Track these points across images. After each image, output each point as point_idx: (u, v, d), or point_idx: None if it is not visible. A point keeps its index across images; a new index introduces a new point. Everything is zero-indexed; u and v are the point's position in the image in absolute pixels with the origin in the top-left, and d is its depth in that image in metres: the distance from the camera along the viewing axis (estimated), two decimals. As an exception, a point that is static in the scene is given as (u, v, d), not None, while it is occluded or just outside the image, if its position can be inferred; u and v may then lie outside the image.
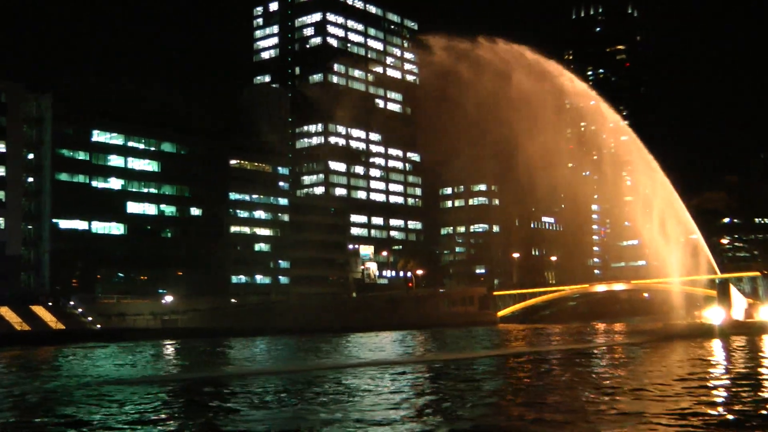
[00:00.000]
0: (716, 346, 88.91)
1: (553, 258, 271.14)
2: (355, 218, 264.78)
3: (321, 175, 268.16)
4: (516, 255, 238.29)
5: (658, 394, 48.18)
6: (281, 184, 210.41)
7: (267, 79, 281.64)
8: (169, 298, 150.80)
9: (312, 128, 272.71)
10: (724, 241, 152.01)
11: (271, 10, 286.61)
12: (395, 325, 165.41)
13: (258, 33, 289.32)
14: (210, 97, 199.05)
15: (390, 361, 79.38)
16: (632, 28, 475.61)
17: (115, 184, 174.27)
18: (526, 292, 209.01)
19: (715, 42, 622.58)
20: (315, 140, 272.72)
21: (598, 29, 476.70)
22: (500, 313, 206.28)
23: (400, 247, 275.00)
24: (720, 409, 43.43)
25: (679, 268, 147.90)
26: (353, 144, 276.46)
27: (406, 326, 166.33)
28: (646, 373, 60.94)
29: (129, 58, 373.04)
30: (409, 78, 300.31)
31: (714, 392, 49.73)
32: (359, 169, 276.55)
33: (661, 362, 70.90)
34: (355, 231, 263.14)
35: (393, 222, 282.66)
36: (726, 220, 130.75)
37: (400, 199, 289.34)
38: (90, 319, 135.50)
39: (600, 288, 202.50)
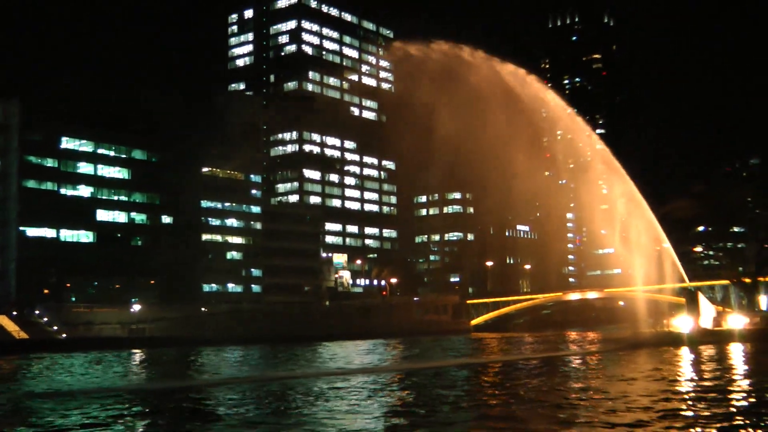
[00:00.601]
0: (678, 355, 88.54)
1: (527, 266, 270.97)
2: (329, 226, 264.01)
3: (295, 183, 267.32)
4: (490, 263, 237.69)
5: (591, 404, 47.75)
6: (254, 191, 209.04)
7: (242, 86, 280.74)
8: (137, 307, 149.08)
9: (286, 136, 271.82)
10: (698, 249, 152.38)
11: (246, 17, 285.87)
12: (367, 334, 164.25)
13: (233, 40, 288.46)
14: (183, 104, 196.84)
15: (349, 371, 78.35)
16: (608, 36, 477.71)
17: (84, 191, 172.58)
18: (499, 300, 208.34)
19: (690, 51, 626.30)
20: (289, 148, 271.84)
21: (574, 38, 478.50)
22: (474, 322, 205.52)
23: (375, 255, 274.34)
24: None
25: (651, 277, 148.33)
26: (328, 152, 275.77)
27: (379, 335, 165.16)
28: (596, 383, 60.40)
29: (100, 65, 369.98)
30: (385, 86, 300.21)
31: (649, 405, 48.43)
32: (334, 177, 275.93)
33: (616, 372, 70.14)
34: (329, 239, 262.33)
35: (368, 230, 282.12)
36: (701, 228, 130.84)
37: (375, 207, 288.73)
38: (55, 328, 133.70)
39: (573, 296, 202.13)
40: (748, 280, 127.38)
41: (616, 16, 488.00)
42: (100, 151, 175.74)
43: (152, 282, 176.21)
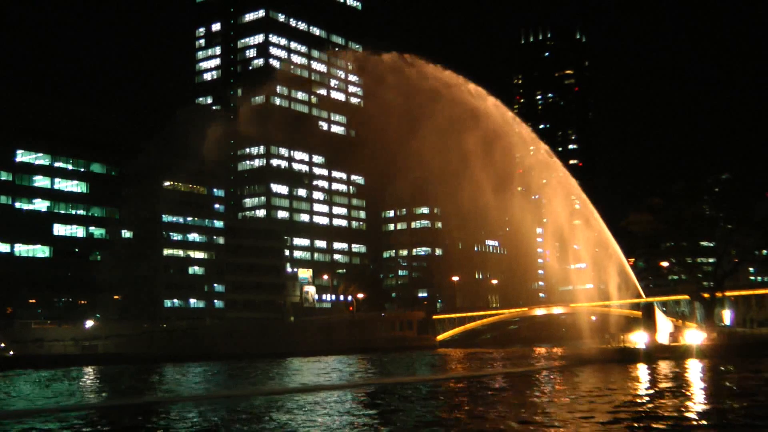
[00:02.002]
0: (626, 371, 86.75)
1: (494, 281, 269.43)
2: (297, 241, 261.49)
3: (263, 198, 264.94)
4: (456, 278, 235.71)
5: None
6: (217, 206, 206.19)
7: (209, 100, 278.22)
8: (89, 323, 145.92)
9: (254, 150, 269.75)
10: (666, 264, 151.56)
11: (213, 30, 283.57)
12: (329, 351, 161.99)
13: (200, 54, 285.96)
14: (148, 118, 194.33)
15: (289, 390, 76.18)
16: (580, 53, 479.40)
17: (40, 205, 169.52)
18: (465, 315, 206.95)
19: (662, 66, 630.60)
20: (257, 162, 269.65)
21: (546, 54, 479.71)
22: (440, 337, 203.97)
23: (344, 270, 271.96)
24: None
25: (621, 293, 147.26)
26: (296, 166, 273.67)
27: (342, 351, 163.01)
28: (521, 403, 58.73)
29: (62, 79, 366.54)
30: (354, 100, 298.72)
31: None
32: (302, 192, 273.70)
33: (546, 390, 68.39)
34: (297, 254, 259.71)
35: (337, 245, 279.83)
36: (670, 243, 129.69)
37: (343, 222, 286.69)
38: (2, 345, 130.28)
39: (539, 311, 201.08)
40: (706, 296, 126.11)
41: (588, 33, 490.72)
42: (58, 164, 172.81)
43: (113, 298, 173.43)
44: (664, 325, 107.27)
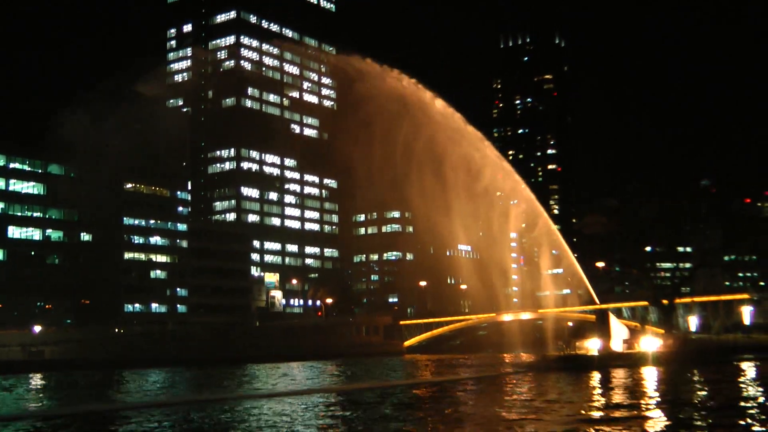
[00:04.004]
0: (567, 380, 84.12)
1: (463, 286, 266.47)
2: (268, 245, 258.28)
3: (233, 201, 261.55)
4: (423, 283, 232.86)
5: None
6: (180, 208, 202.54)
7: (180, 102, 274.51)
8: (37, 328, 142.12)
9: (224, 153, 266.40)
10: (612, 267, 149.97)
11: (185, 31, 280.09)
12: (291, 357, 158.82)
13: (171, 55, 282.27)
14: (106, 118, 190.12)
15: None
16: (560, 57, 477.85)
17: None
18: (432, 321, 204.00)
19: (640, 70, 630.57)
20: (227, 165, 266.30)
21: (526, 58, 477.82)
22: (407, 343, 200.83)
23: (316, 275, 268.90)
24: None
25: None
26: (267, 169, 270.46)
27: (304, 357, 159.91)
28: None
29: (21, 73, 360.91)
30: (327, 103, 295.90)
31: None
32: (273, 196, 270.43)
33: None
34: (268, 258, 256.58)
35: (309, 249, 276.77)
36: (625, 246, 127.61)
37: (316, 226, 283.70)
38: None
39: (507, 317, 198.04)
40: (665, 301, 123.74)
41: (567, 37, 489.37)
42: (13, 165, 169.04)
43: (70, 302, 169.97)
44: (619, 332, 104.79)
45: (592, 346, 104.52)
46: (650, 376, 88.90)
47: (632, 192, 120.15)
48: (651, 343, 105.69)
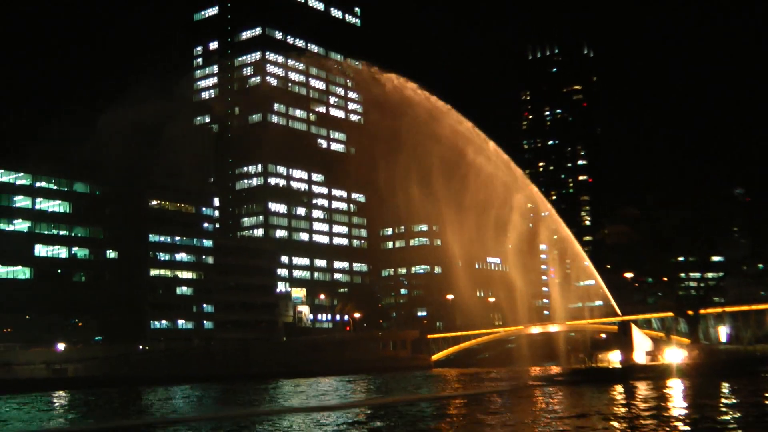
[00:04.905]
0: (588, 395, 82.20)
1: (492, 299, 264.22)
2: (296, 260, 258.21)
3: (260, 217, 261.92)
4: (450, 296, 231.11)
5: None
6: (205, 225, 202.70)
7: (207, 119, 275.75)
8: (61, 346, 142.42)
9: (251, 169, 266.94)
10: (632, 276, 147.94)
11: (210, 48, 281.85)
12: (315, 372, 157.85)
13: (198, 72, 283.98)
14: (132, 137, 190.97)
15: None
16: (588, 68, 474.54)
17: (21, 226, 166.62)
18: (460, 335, 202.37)
19: (669, 78, 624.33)
20: (255, 181, 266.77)
21: (554, 69, 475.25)
22: (435, 357, 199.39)
23: (345, 289, 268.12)
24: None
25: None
26: (294, 185, 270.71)
27: (328, 373, 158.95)
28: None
29: (47, 93, 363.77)
30: (354, 117, 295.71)
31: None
32: (301, 211, 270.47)
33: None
34: (296, 273, 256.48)
35: (337, 264, 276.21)
36: (648, 257, 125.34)
37: (344, 241, 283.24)
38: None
39: (535, 330, 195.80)
40: (690, 312, 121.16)
41: (595, 48, 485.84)
42: (39, 184, 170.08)
43: (96, 320, 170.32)
44: (642, 343, 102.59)
45: (614, 358, 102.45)
46: (674, 390, 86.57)
47: (653, 201, 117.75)
48: (675, 354, 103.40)
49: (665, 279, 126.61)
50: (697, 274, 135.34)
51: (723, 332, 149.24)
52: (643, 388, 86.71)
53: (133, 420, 71.35)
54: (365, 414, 70.35)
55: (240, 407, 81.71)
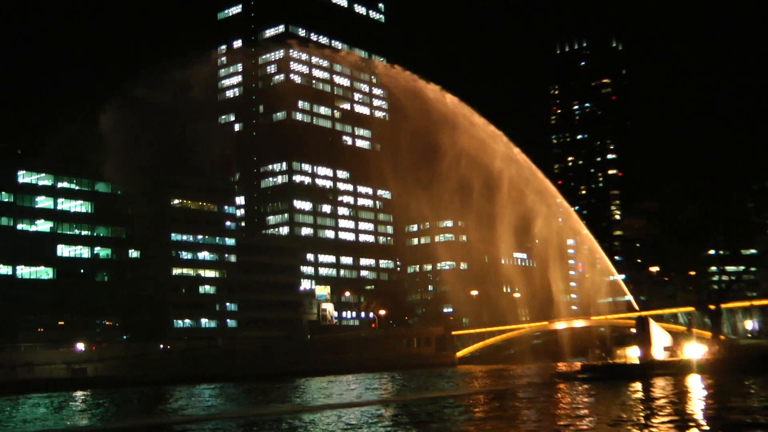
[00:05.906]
0: (603, 392, 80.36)
1: (516, 295, 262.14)
2: (322, 258, 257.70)
3: (286, 215, 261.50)
4: (474, 292, 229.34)
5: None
6: (228, 223, 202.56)
7: (232, 117, 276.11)
8: (80, 346, 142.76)
9: (276, 167, 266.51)
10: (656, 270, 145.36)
11: (234, 47, 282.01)
12: (338, 370, 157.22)
13: (222, 71, 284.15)
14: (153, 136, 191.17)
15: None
16: (617, 61, 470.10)
17: (43, 226, 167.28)
18: (485, 331, 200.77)
19: (698, 71, 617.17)
20: (280, 179, 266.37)
21: (583, 63, 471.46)
22: (459, 354, 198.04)
23: (372, 287, 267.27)
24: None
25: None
26: (319, 182, 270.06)
27: (351, 370, 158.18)
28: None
29: (74, 95, 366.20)
30: (379, 114, 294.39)
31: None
32: (326, 208, 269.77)
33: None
34: (322, 271, 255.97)
35: (363, 261, 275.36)
36: (666, 250, 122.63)
37: (370, 238, 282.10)
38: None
39: (559, 325, 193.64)
40: (712, 307, 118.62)
41: (624, 41, 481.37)
42: (61, 184, 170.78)
43: (118, 319, 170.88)
44: (661, 339, 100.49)
45: (633, 354, 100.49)
46: (693, 388, 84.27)
47: (672, 193, 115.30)
48: (695, 349, 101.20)
49: (691, 273, 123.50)
50: (716, 268, 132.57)
51: (750, 326, 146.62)
52: (659, 386, 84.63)
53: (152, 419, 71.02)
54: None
55: (259, 407, 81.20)
